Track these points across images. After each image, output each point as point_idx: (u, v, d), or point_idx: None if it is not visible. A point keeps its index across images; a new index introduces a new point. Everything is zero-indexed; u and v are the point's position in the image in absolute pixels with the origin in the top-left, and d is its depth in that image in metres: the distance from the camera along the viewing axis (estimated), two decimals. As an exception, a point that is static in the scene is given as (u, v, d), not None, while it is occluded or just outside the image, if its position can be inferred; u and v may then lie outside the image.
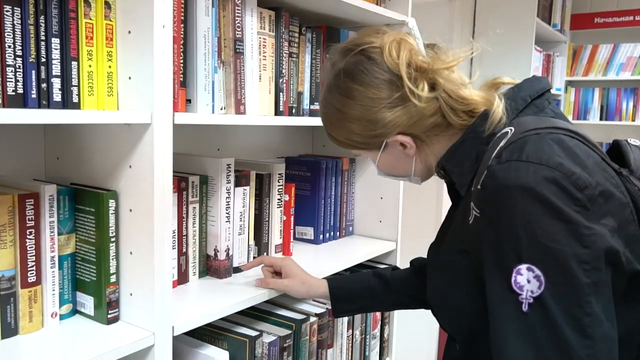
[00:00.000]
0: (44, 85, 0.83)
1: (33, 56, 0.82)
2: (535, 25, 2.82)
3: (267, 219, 1.39)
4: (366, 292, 1.20)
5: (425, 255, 1.20)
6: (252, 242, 1.35)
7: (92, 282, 0.96)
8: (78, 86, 0.87)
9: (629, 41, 3.46)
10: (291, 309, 1.31)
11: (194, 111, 1.04)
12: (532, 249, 0.66)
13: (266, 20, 1.22)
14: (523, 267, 0.66)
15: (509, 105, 0.82)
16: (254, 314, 1.26)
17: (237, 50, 1.13)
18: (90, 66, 0.88)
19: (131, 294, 0.95)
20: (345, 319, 1.44)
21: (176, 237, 1.15)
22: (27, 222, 0.88)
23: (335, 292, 1.20)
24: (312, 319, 1.29)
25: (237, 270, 1.28)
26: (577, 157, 0.70)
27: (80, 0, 0.86)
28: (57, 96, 0.85)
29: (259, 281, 1.19)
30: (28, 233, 0.89)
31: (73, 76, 0.86)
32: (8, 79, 0.79)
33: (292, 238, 1.46)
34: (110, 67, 0.90)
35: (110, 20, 0.90)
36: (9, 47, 0.79)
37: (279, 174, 1.41)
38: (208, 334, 1.16)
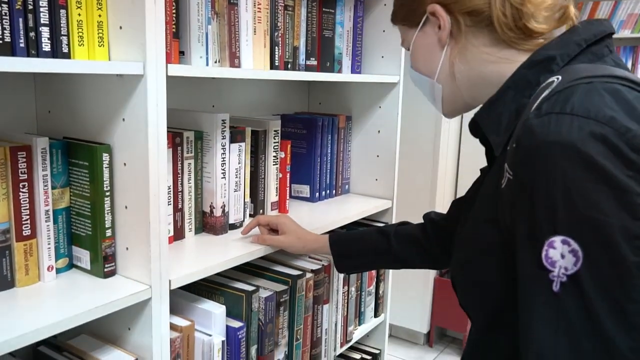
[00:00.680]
0: (32, 34, 0.81)
1: (20, 3, 0.79)
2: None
3: (262, 176, 1.38)
4: (368, 248, 1.19)
5: (422, 216, 1.19)
6: (247, 199, 1.35)
7: (88, 237, 0.95)
8: (67, 35, 0.85)
9: (630, -1, 3.40)
10: (287, 265, 1.32)
11: (187, 63, 1.02)
12: (569, 219, 0.56)
13: (261, -30, 1.18)
14: (557, 240, 0.57)
15: (559, 52, 0.70)
16: (251, 269, 1.27)
17: (231, 1, 1.10)
18: (79, 15, 0.85)
19: (127, 248, 0.95)
20: (341, 275, 1.45)
21: (171, 193, 1.14)
22: (20, 174, 0.87)
23: (335, 248, 1.21)
24: (308, 275, 1.30)
25: (233, 226, 1.28)
26: (635, 111, 0.58)
27: (67, -55, 0.82)
28: (46, 46, 0.82)
29: (255, 238, 1.19)
30: (21, 186, 0.88)
31: (62, 25, 0.84)
32: (-6, 27, 0.76)
33: (288, 196, 1.46)
34: (100, 16, 0.88)
35: (99, -33, 0.86)
36: (-6, -7, 0.76)
37: (275, 131, 1.39)
38: (205, 289, 1.17)
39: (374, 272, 1.64)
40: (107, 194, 0.93)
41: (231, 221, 1.27)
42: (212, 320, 1.07)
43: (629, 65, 3.55)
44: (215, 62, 1.08)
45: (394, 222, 1.68)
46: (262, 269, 1.28)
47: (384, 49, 1.61)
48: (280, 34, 1.26)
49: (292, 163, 1.58)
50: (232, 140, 1.24)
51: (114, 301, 0.88)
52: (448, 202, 2.92)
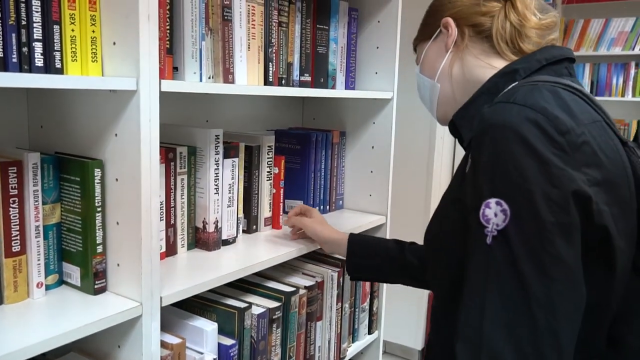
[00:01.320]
0: (24, 49, 0.81)
1: (13, 18, 0.79)
2: None
3: (256, 192, 1.38)
4: (381, 251, 1.22)
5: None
6: (241, 214, 1.34)
7: (79, 253, 0.94)
8: (61, 51, 0.84)
9: (620, 15, 3.45)
10: (280, 282, 1.31)
11: (181, 79, 1.02)
12: (502, 184, 0.68)
13: (255, -13, 1.19)
14: (492, 201, 0.68)
15: (522, 66, 0.84)
16: (243, 286, 1.26)
17: (225, 18, 1.10)
18: (73, 30, 0.85)
19: (118, 265, 0.94)
20: (335, 291, 1.44)
21: (164, 208, 1.13)
22: (10, 190, 0.86)
23: (351, 245, 1.24)
24: (302, 291, 1.29)
25: (226, 242, 1.27)
26: (566, 106, 0.70)
27: (62, -39, 0.83)
28: (39, 61, 0.82)
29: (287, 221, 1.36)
30: (11, 202, 0.87)
31: (55, 40, 0.84)
32: (-13, 42, 0.76)
33: (281, 211, 1.45)
34: (94, 31, 0.88)
35: (93, -17, 0.86)
36: (-13, 8, 0.76)
37: (269, 146, 1.39)
38: (197, 305, 1.16)
39: (367, 288, 1.63)
40: (99, 209, 0.93)
41: (224, 237, 1.26)
42: (204, 337, 1.06)
43: (620, 81, 3.58)
44: (209, 77, 1.08)
45: (388, 238, 1.67)
46: (255, 285, 1.27)
47: (378, 65, 1.62)
48: (274, 50, 1.26)
49: (286, 178, 1.58)
50: (226, 155, 1.24)
51: (104, 318, 0.86)
52: (442, 218, 2.92)
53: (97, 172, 0.92)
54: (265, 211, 1.41)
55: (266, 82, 1.25)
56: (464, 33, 0.91)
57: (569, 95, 0.73)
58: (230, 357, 1.09)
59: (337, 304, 1.47)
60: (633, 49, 3.40)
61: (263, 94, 1.21)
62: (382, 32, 1.60)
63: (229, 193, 1.26)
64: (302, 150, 1.56)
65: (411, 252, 1.18)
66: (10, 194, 0.87)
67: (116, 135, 0.90)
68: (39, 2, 0.81)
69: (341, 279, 1.46)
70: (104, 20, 0.88)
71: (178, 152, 1.15)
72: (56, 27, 0.84)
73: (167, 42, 0.99)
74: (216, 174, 1.21)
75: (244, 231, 1.38)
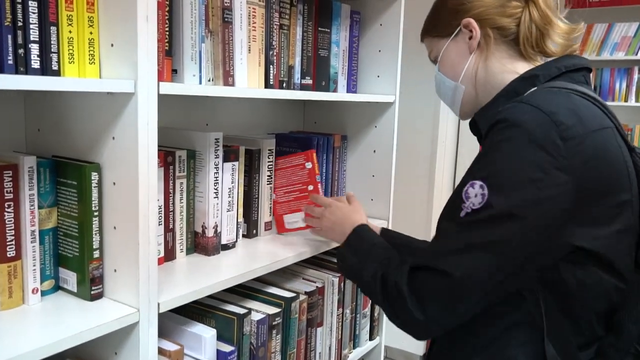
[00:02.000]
0: (21, 51, 0.79)
1: (9, 20, 0.77)
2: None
3: (256, 196, 1.36)
4: (405, 243, 1.24)
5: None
6: (240, 219, 1.33)
7: (75, 258, 0.93)
8: (58, 53, 0.83)
9: (623, 20, 3.44)
10: (281, 287, 1.29)
11: (180, 81, 1.00)
12: (491, 170, 0.75)
13: (256, -11, 1.17)
14: (477, 183, 0.76)
15: (542, 72, 0.86)
16: (243, 291, 1.24)
17: (226, 20, 1.09)
18: (70, 32, 0.84)
19: (115, 270, 0.92)
20: (335, 297, 1.42)
21: (162, 213, 1.12)
22: (5, 194, 0.85)
23: (383, 234, 1.27)
24: (302, 297, 1.27)
25: (226, 247, 1.25)
26: (576, 112, 0.75)
27: (59, -39, 0.81)
28: (35, 63, 0.81)
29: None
30: (7, 206, 0.85)
31: (52, 42, 0.82)
32: (-18, 43, 0.75)
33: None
34: (91, 33, 0.86)
35: (91, -16, 0.85)
36: (-17, 9, 0.74)
37: (269, 150, 1.38)
38: (196, 311, 1.14)
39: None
40: (96, 214, 0.91)
41: (223, 242, 1.25)
42: (202, 344, 1.04)
43: (624, 86, 3.57)
44: (209, 80, 1.07)
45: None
46: (255, 290, 1.25)
47: (380, 69, 1.61)
48: (275, 53, 1.25)
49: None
50: (226, 159, 1.22)
51: (101, 325, 0.85)
52: (444, 222, 2.90)
53: (94, 176, 0.90)
54: (265, 215, 1.39)
55: (267, 85, 1.23)
56: (487, 35, 0.91)
57: (581, 101, 0.77)
58: (229, 364, 1.07)
59: (338, 310, 1.45)
60: (636, 54, 3.38)
61: (263, 97, 1.20)
62: (384, 35, 1.59)
63: (229, 197, 1.25)
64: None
65: None
66: (6, 198, 0.85)
67: (114, 138, 0.89)
68: (35, 2, 0.80)
69: (342, 284, 1.44)
70: (102, 22, 0.86)
71: (177, 156, 1.14)
72: (53, 28, 0.82)
73: (166, 44, 0.97)
74: (216, 177, 1.19)
75: (243, 236, 1.36)
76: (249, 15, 1.15)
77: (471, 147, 2.83)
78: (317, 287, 1.33)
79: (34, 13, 0.80)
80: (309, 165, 1.37)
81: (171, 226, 1.15)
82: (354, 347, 1.58)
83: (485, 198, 0.74)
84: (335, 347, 1.45)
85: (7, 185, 0.85)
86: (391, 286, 0.84)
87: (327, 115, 1.75)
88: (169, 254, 1.15)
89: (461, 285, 0.76)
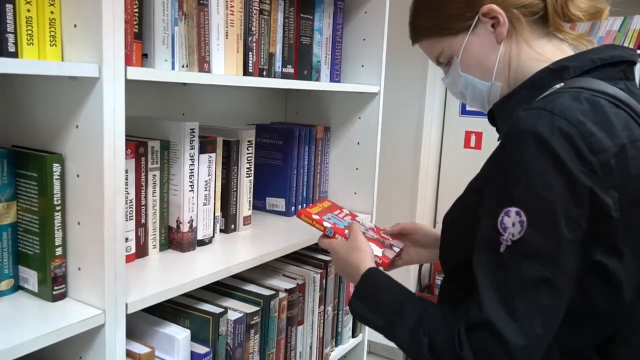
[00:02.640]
0: (-28, 30, 0.72)
1: (-42, -5, 0.70)
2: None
3: (234, 189, 1.31)
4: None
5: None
6: (218, 213, 1.27)
7: (36, 256, 0.86)
8: (15, 33, 0.76)
9: (609, 15, 3.42)
10: (260, 284, 1.24)
11: (150, 67, 0.94)
12: (525, 194, 0.67)
13: (234, -30, 1.11)
14: (512, 210, 0.68)
15: (573, 64, 0.77)
16: (220, 289, 1.19)
17: (201, 2, 1.02)
18: (28, 11, 0.77)
19: (79, 269, 0.86)
20: (317, 294, 1.37)
21: (134, 207, 1.05)
22: (-44, 187, 0.78)
23: None
24: (282, 294, 1.22)
25: (202, 243, 1.19)
26: (606, 122, 0.67)
27: None
28: (-11, 44, 0.74)
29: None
30: (-42, 200, 0.79)
31: (8, 21, 0.75)
32: None
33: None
34: (52, 12, 0.79)
35: (52, -42, 0.78)
36: None
37: (249, 141, 1.32)
38: (170, 311, 1.08)
39: (351, 290, 1.56)
40: (58, 208, 0.85)
41: (199, 237, 1.19)
42: (175, 346, 0.98)
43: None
44: (183, 66, 1.00)
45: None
46: (233, 288, 1.20)
47: (365, 58, 1.55)
48: (254, 39, 1.19)
49: (267, 175, 1.51)
50: (202, 150, 1.16)
51: (63, 328, 0.79)
52: (428, 216, 2.87)
53: (57, 168, 0.84)
54: (244, 209, 1.33)
55: (245, 73, 1.17)
56: (514, 18, 0.81)
57: (612, 109, 0.69)
58: (203, 366, 1.01)
59: (319, 307, 1.40)
60: (621, 47, 3.37)
61: (242, 85, 1.14)
62: (369, 24, 1.53)
63: (205, 190, 1.19)
64: (284, 146, 1.49)
65: None
66: (-43, 190, 0.79)
67: (77, 127, 0.82)
68: (-11, -22, 0.73)
69: (324, 281, 1.39)
70: (64, 0, 0.80)
71: (150, 147, 1.07)
72: (9, 6, 0.75)
73: (136, 26, 0.91)
74: (191, 170, 1.13)
75: (221, 231, 1.30)
76: (227, -2, 1.09)
77: (456, 140, 2.80)
78: (297, 284, 1.28)
79: (-13, -11, 0.73)
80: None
81: (143, 221, 1.09)
82: (336, 345, 1.53)
83: (525, 226, 0.66)
84: (316, 346, 1.40)
85: (-42, 177, 0.78)
86: (447, 352, 0.71)
87: (310, 106, 1.69)
88: (140, 251, 1.09)
89: (528, 343, 0.66)
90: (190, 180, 1.14)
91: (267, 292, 1.18)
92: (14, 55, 0.76)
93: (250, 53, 1.18)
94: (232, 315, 1.09)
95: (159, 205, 1.11)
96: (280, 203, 1.51)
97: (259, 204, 1.54)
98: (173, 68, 0.97)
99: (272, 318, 1.19)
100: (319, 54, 1.45)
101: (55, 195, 0.84)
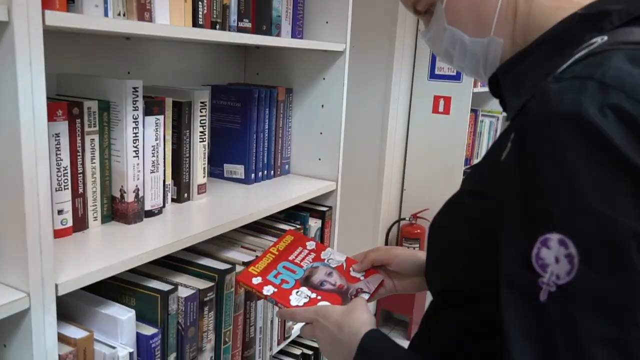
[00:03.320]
0: None
1: None
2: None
3: (187, 155, 1.20)
4: None
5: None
6: (169, 181, 1.16)
7: (-52, 231, 0.75)
8: None
9: None
10: (215, 258, 1.15)
11: (77, 12, 0.81)
12: (572, 213, 0.45)
13: None
14: (553, 238, 0.45)
15: (619, 7, 0.55)
16: (172, 264, 1.09)
17: (139, -59, 0.90)
18: None
19: None
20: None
21: (69, 175, 0.94)
22: None
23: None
24: (239, 268, 1.14)
25: (150, 214, 1.09)
26: None
27: None
28: None
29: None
30: None
31: None
32: None
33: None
34: (-49, -57, 0.66)
35: None
36: None
37: (202, 103, 1.20)
38: (114, 289, 0.98)
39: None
40: (-30, 177, 0.73)
41: (147, 207, 1.09)
42: (118, 328, 0.89)
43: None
44: (119, 14, 0.88)
45: (338, 205, 1.53)
46: (185, 262, 1.10)
47: (329, 14, 1.44)
48: (205, -12, 1.07)
49: (225, 140, 1.41)
50: (147, 112, 1.05)
51: (-20, 314, 0.69)
52: (396, 184, 2.81)
53: (-34, 130, 0.72)
54: (198, 177, 1.23)
55: (195, 25, 1.05)
56: None
57: None
58: (151, 349, 0.93)
59: (281, 280, 1.32)
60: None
61: (190, 38, 1.02)
62: (334, -25, 1.42)
63: (153, 156, 1.08)
64: (242, 109, 1.38)
65: None
66: None
67: (-12, 82, 0.70)
68: None
69: (286, 253, 1.31)
70: None
71: (86, 108, 0.96)
72: None
73: (59, -35, 0.78)
74: (135, 133, 1.02)
75: (173, 200, 1.20)
76: (171, -61, 0.96)
77: (424, 105, 2.72)
78: (256, 256, 1.20)
79: None
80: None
81: (81, 190, 0.98)
82: (300, 318, 1.46)
83: (576, 262, 0.44)
84: (277, 320, 1.33)
85: None
86: None
87: (271, 66, 1.58)
88: (79, 223, 0.98)
89: None
90: (135, 145, 1.02)
91: (223, 266, 1.10)
92: None
93: (200, 3, 1.06)
94: (183, 292, 1.00)
95: (99, 173, 1.00)
96: (239, 170, 1.41)
97: (216, 171, 1.44)
98: (106, 15, 0.85)
99: (228, 294, 1.10)
100: (279, 8, 1.33)
101: (-35, 162, 0.72)
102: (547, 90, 0.47)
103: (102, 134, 1.00)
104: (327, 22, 1.45)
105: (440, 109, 2.72)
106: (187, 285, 1.03)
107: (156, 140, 1.08)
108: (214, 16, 1.11)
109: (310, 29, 1.46)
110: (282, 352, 1.50)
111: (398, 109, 2.66)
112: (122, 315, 0.90)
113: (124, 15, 0.89)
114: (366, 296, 0.86)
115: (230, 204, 1.24)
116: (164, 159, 1.12)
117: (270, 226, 1.34)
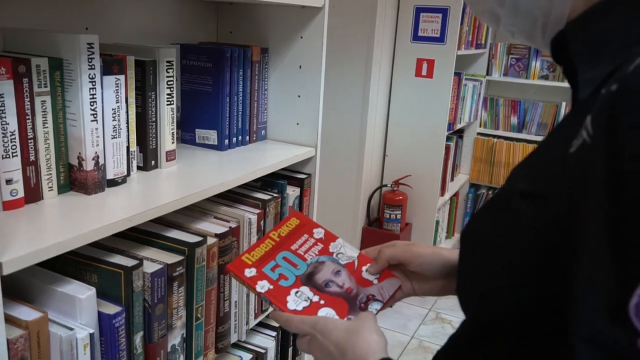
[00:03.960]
0: None
1: None
2: None
3: (153, 119, 1.11)
4: None
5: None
6: (134, 147, 1.08)
7: None
8: None
9: None
10: (186, 230, 1.07)
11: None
12: None
13: None
14: None
15: None
16: (138, 237, 1.02)
17: None
18: None
19: None
20: (254, 237, 1.23)
21: (17, 140, 0.85)
22: None
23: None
24: (211, 240, 1.06)
25: (113, 183, 1.01)
26: None
27: None
28: None
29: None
30: None
31: None
32: None
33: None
34: None
35: None
36: None
37: (168, 62, 1.11)
38: (73, 265, 0.91)
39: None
40: None
41: (109, 176, 1.00)
42: (77, 307, 0.82)
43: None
44: (66, -42, 0.78)
45: (317, 173, 1.46)
46: (153, 235, 1.03)
47: (306, -33, 1.34)
48: None
49: (196, 103, 1.31)
50: (106, 71, 0.95)
51: None
52: (378, 150, 2.75)
53: None
54: (167, 143, 1.14)
55: (157, -25, 0.95)
56: None
57: None
58: (114, 328, 0.86)
59: (257, 251, 1.26)
60: None
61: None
62: None
63: (114, 120, 0.99)
64: (214, 69, 1.28)
65: None
66: None
67: None
68: None
69: (261, 222, 1.24)
70: None
71: (34, 65, 0.86)
72: None
73: None
74: (92, 95, 0.93)
75: (139, 168, 1.11)
76: None
77: (407, 68, 2.63)
78: (230, 227, 1.13)
79: None
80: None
81: (32, 158, 0.89)
82: (278, 290, 1.40)
83: None
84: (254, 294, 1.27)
85: None
86: None
87: (245, 23, 1.47)
88: (31, 194, 0.89)
89: None
90: (93, 107, 0.93)
91: (193, 239, 1.02)
92: None
93: (161, -51, 0.95)
94: (150, 267, 0.93)
95: (53, 138, 0.91)
96: (211, 135, 1.33)
97: (188, 137, 1.35)
98: (49, -42, 0.75)
99: (199, 268, 1.03)
100: (252, -42, 1.23)
101: None
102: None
103: (54, 95, 0.90)
104: (304, -24, 1.35)
105: (424, 72, 2.64)
106: (155, 260, 0.96)
107: (117, 102, 0.99)
108: (179, -35, 1.01)
109: (287, -17, 1.36)
110: (260, 324, 1.44)
111: (380, 72, 2.57)
112: (81, 293, 0.82)
113: (71, -42, 0.79)
114: (378, 306, 0.73)
115: (202, 171, 1.16)
116: (127, 123, 1.03)
117: (246, 195, 1.27)
